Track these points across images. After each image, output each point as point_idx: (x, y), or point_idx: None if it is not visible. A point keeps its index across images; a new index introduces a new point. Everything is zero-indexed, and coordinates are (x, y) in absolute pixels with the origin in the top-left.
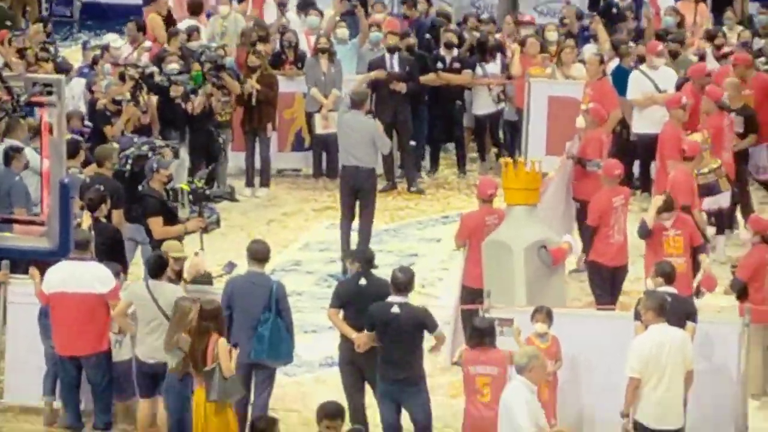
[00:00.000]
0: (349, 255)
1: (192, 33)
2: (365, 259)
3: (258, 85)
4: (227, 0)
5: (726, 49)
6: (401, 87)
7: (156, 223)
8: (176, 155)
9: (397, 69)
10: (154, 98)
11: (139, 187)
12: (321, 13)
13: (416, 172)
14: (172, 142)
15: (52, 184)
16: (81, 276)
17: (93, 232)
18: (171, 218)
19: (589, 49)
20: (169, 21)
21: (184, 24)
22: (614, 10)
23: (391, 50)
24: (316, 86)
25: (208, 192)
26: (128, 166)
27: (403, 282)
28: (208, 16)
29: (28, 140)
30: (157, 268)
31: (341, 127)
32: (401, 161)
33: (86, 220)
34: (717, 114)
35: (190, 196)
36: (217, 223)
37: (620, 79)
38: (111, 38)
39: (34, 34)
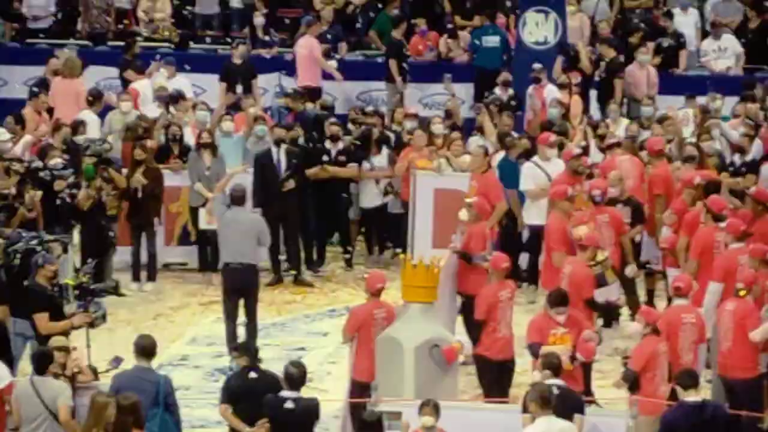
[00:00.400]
0: (235, 350)
1: (78, 127)
2: (252, 353)
3: (144, 179)
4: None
5: (612, 140)
6: (290, 185)
7: (42, 319)
8: (65, 249)
9: (283, 162)
10: (39, 193)
11: (25, 282)
12: (209, 108)
13: (303, 265)
14: (60, 236)
15: None
16: None
17: None
18: (57, 313)
19: (474, 141)
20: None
21: (81, 115)
22: (498, 103)
23: (277, 143)
24: (200, 181)
25: (93, 287)
26: (16, 261)
27: (297, 376)
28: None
29: None
30: (41, 363)
31: (225, 225)
32: (287, 255)
33: None
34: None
35: (76, 291)
36: (104, 317)
37: (506, 171)
38: None
39: None
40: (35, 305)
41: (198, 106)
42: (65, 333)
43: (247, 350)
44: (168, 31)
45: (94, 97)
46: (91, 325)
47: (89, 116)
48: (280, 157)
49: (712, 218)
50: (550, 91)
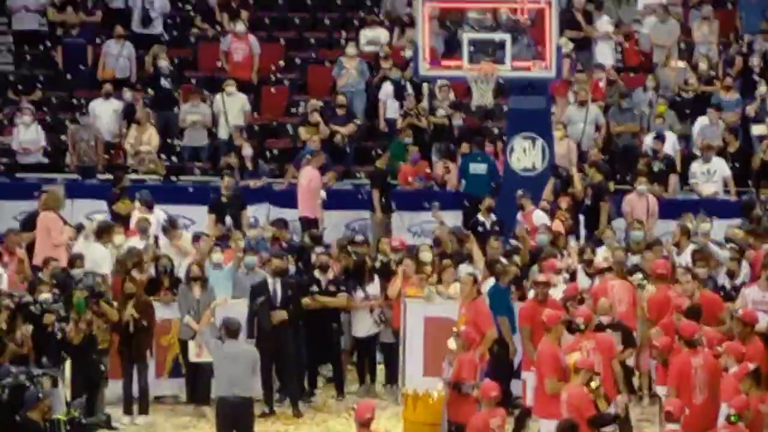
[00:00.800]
0: None
1: (75, 260)
2: None
3: (135, 312)
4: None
5: (603, 265)
6: (281, 316)
7: None
8: (54, 383)
9: (279, 293)
10: (29, 327)
11: (17, 418)
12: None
13: (298, 395)
14: (50, 370)
15: None
16: None
17: None
18: None
19: (463, 269)
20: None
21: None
22: (480, 229)
23: (276, 274)
24: (190, 314)
25: (84, 421)
26: (4, 396)
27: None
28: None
29: None
30: None
31: (219, 358)
32: (281, 386)
33: None
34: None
35: (67, 427)
36: None
37: (497, 297)
38: None
39: None
40: None
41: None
42: None
43: None
44: (154, 163)
45: (102, 230)
46: None
47: (98, 250)
48: (276, 288)
49: (684, 344)
50: (539, 217)
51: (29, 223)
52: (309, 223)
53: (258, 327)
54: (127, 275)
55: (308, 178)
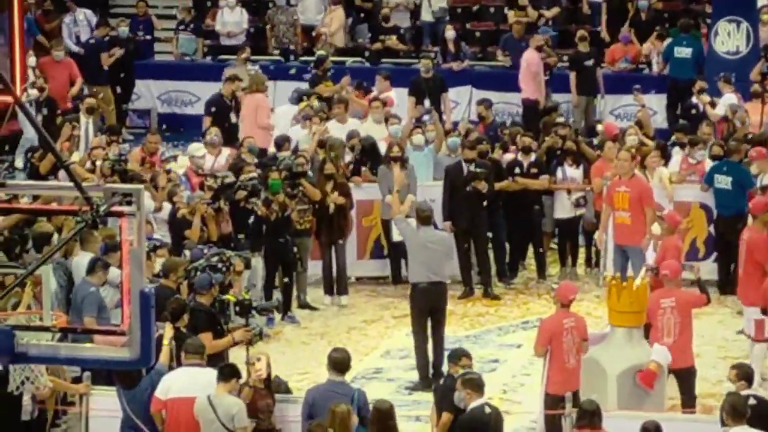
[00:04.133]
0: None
1: (283, 143)
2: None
3: (337, 195)
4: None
5: None
6: (482, 186)
7: (206, 339)
8: (247, 266)
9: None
10: (227, 207)
11: (187, 301)
12: (399, 119)
13: (492, 277)
14: (242, 252)
15: (132, 295)
16: (200, 382)
17: (174, 343)
18: (219, 331)
19: (677, 153)
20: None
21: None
22: (693, 111)
23: (468, 161)
24: (391, 194)
25: (255, 304)
26: (195, 278)
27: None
28: None
29: (100, 252)
30: (228, 375)
31: (415, 246)
32: (478, 267)
33: (168, 331)
34: None
35: (237, 308)
36: (260, 335)
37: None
38: (194, 147)
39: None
40: (200, 324)
41: (390, 120)
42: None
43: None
44: (331, 44)
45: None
46: (250, 342)
47: (299, 132)
48: (470, 169)
49: None
50: (727, 98)
51: (215, 104)
52: (530, 105)
53: (452, 208)
54: (329, 155)
55: (526, 60)
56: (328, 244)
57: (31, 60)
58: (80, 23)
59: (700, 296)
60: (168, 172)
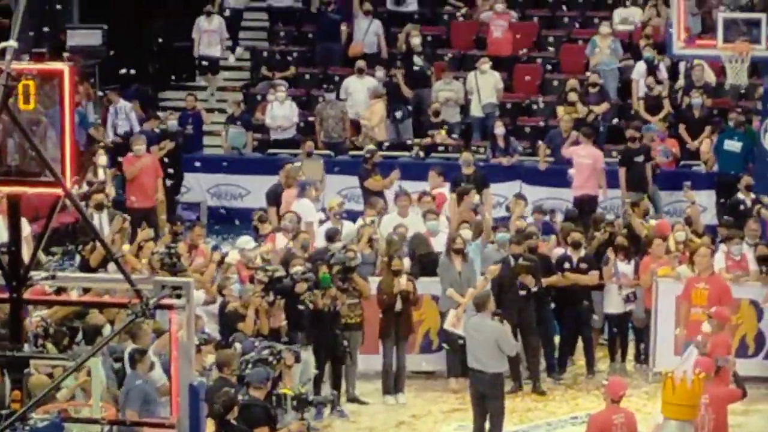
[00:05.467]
0: None
1: (334, 236)
2: None
3: (407, 285)
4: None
5: None
6: (529, 281)
7: None
8: (297, 359)
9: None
10: (281, 301)
11: (241, 396)
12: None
13: (542, 372)
14: (293, 345)
15: (182, 388)
16: None
17: None
18: (273, 426)
19: (722, 249)
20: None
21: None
22: (741, 207)
23: (515, 256)
24: (452, 286)
25: (311, 398)
26: (248, 371)
27: None
28: None
29: (151, 343)
30: None
31: (468, 331)
32: (527, 362)
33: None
34: None
35: (294, 402)
36: (308, 430)
37: None
38: (244, 240)
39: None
40: (255, 420)
41: (428, 215)
42: None
43: None
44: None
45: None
46: None
47: (349, 225)
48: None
49: None
50: None
51: (273, 197)
52: (587, 202)
53: (500, 301)
54: (395, 253)
55: (592, 157)
56: (393, 341)
57: (102, 159)
58: (120, 115)
59: (735, 391)
60: (219, 264)
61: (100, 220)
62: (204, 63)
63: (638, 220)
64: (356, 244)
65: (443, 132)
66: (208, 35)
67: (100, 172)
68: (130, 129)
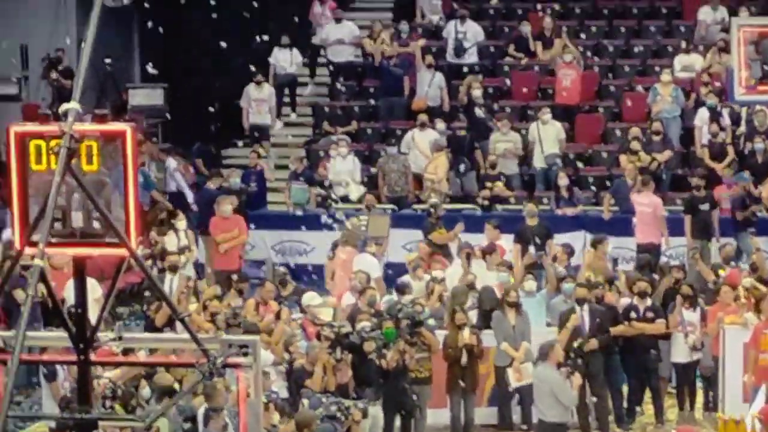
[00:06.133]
0: None
1: (404, 289)
2: None
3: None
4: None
5: None
6: (592, 345)
7: None
8: (365, 414)
9: (587, 321)
10: (348, 357)
11: None
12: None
13: (610, 423)
14: (360, 401)
15: None
16: None
17: None
18: None
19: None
20: None
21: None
22: None
23: (580, 302)
24: (506, 340)
25: None
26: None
27: None
28: None
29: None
30: None
31: (535, 381)
32: (596, 412)
33: None
34: None
35: None
36: None
37: None
38: (309, 297)
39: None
40: None
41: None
42: None
43: None
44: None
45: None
46: None
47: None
48: (583, 315)
49: None
50: None
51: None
52: (651, 250)
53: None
54: (458, 306)
55: (653, 205)
56: (460, 395)
57: (182, 223)
58: (170, 172)
59: None
60: (289, 322)
61: (171, 283)
62: (255, 134)
63: (706, 268)
64: (426, 299)
65: (500, 184)
66: (257, 104)
67: (182, 235)
68: (176, 188)
